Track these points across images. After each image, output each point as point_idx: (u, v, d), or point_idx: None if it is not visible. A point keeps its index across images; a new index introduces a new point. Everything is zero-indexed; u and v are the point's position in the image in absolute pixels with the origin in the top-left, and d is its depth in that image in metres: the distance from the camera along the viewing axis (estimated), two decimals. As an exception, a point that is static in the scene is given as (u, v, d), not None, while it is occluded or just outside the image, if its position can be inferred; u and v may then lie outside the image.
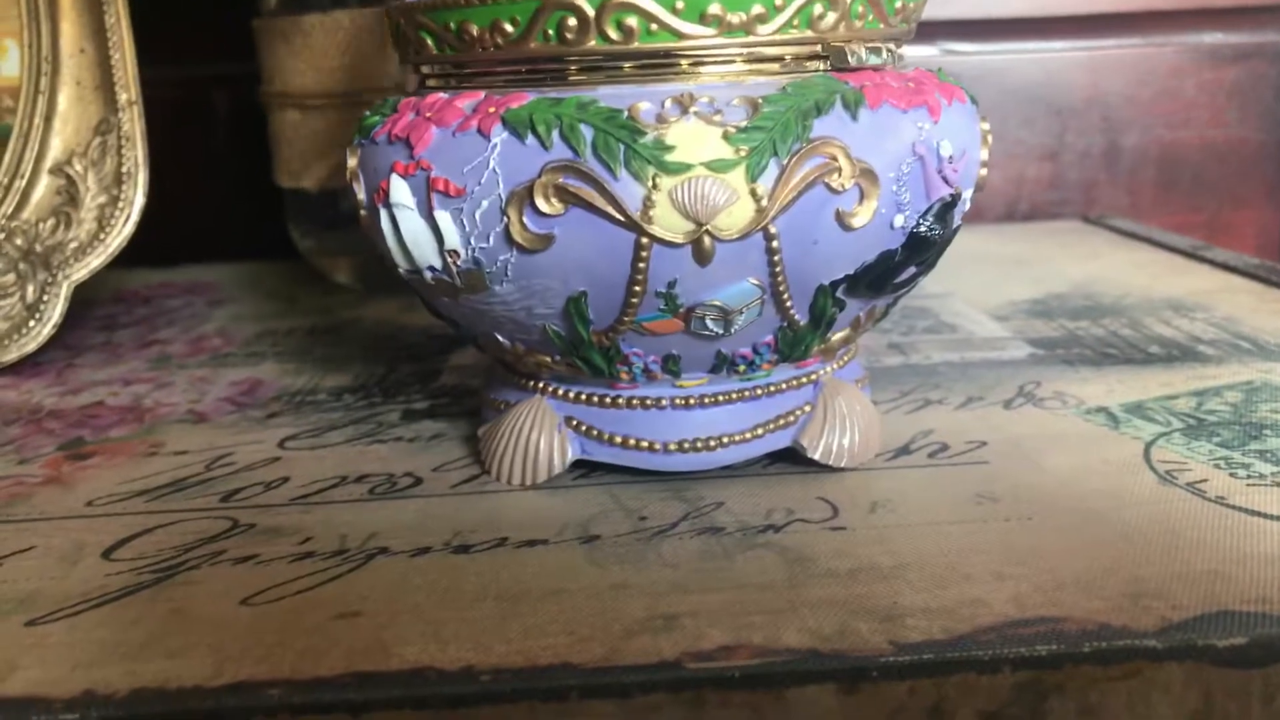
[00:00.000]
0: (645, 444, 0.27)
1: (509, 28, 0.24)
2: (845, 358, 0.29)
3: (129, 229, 0.41)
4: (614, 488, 0.27)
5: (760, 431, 0.27)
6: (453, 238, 0.24)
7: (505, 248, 0.23)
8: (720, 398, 0.27)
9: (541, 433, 0.27)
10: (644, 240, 0.23)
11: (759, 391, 0.27)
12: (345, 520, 0.26)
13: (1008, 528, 0.24)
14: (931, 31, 0.62)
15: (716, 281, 0.23)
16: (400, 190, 0.24)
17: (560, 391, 0.27)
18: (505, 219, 0.23)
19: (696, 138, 0.22)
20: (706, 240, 0.23)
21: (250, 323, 0.45)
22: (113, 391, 0.37)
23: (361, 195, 0.26)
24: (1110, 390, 0.32)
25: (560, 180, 0.22)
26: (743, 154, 0.22)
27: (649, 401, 0.27)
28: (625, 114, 0.22)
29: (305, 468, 0.29)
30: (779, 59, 0.24)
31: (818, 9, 0.24)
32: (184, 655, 0.20)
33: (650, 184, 0.22)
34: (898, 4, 0.25)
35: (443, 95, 0.25)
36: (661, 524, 0.25)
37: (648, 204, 0.22)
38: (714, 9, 0.23)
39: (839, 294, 0.25)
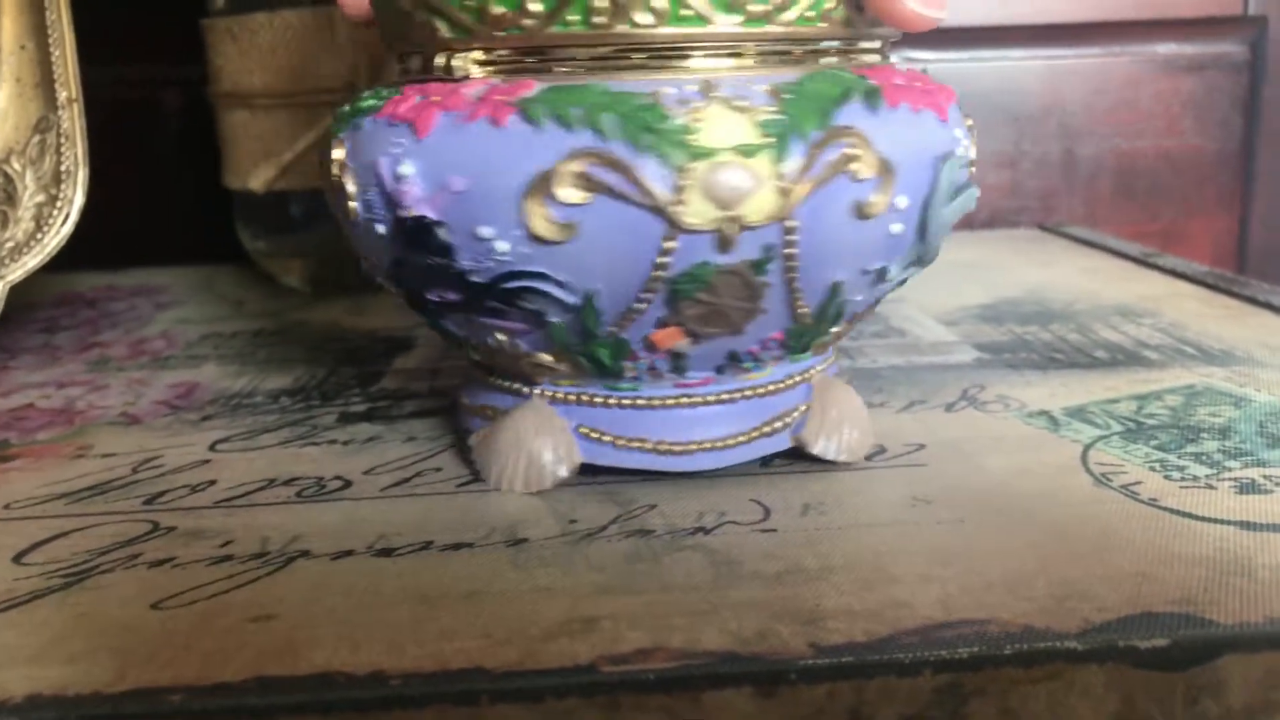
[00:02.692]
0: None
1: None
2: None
3: (68, 229, 0.40)
4: (546, 491, 0.27)
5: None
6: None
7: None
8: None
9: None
10: None
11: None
12: (269, 523, 0.25)
13: (939, 530, 0.24)
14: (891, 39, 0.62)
15: None
16: None
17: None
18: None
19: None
20: None
21: (195, 326, 0.45)
22: (45, 394, 0.36)
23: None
24: (1053, 394, 0.32)
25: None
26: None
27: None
28: None
29: (234, 470, 0.29)
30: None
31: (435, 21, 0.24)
32: (86, 660, 0.20)
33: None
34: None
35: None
36: (591, 527, 0.25)
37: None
38: None
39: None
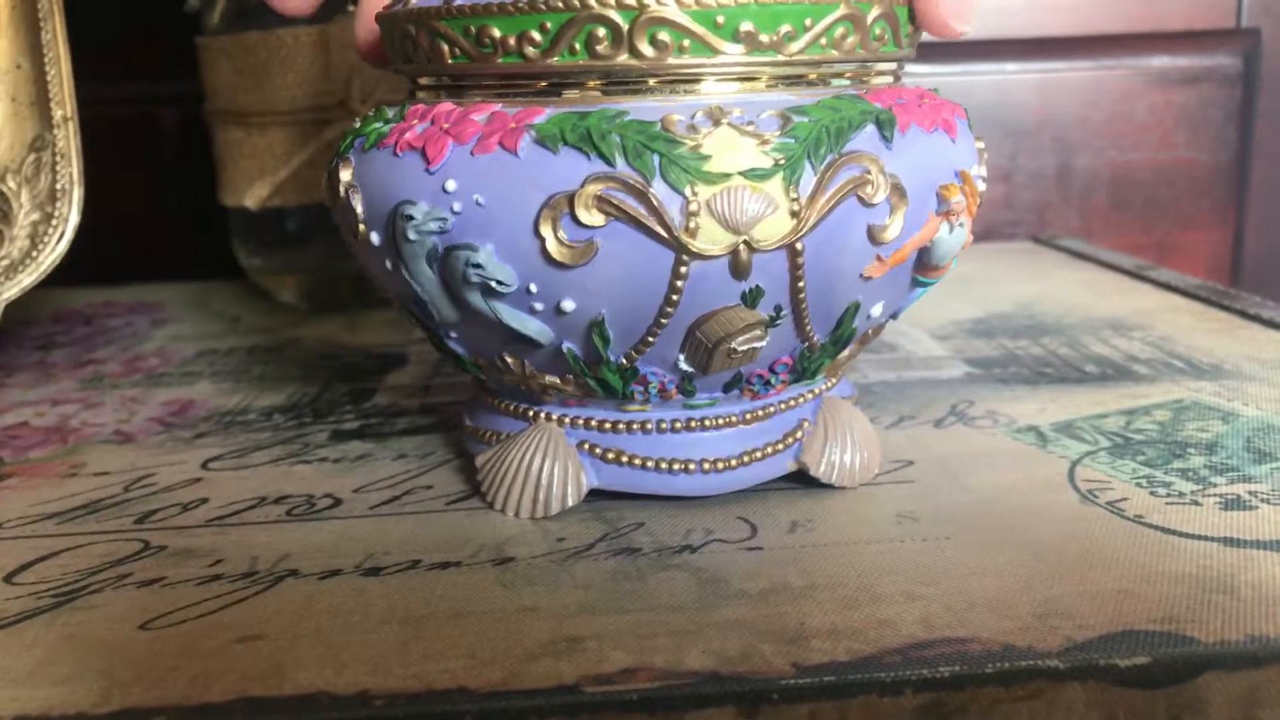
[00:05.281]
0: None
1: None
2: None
3: (63, 246, 0.40)
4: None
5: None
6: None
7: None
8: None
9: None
10: None
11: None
12: (259, 542, 0.25)
13: (924, 548, 0.24)
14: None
15: None
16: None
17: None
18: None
19: None
20: None
21: (190, 342, 0.45)
22: (39, 412, 0.36)
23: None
24: (1042, 409, 0.32)
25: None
26: None
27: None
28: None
29: (225, 489, 0.29)
30: None
31: None
32: (73, 681, 0.20)
33: None
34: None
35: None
36: (578, 545, 0.25)
37: None
38: None
39: None
